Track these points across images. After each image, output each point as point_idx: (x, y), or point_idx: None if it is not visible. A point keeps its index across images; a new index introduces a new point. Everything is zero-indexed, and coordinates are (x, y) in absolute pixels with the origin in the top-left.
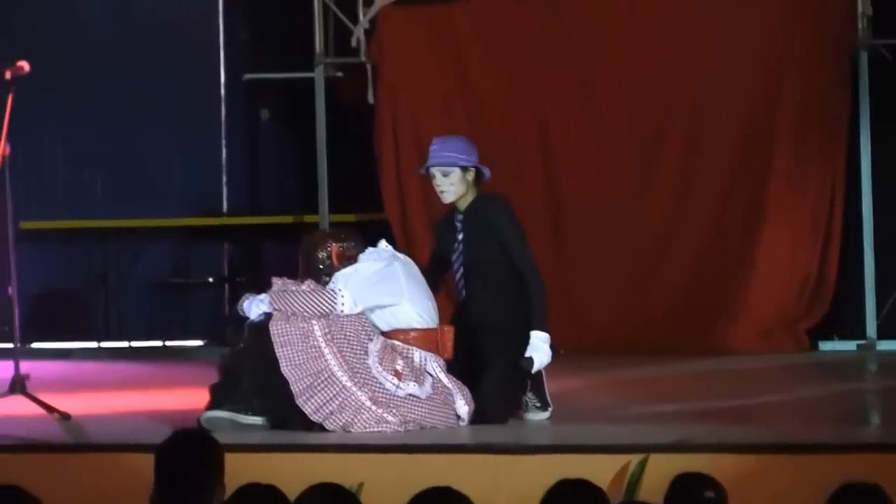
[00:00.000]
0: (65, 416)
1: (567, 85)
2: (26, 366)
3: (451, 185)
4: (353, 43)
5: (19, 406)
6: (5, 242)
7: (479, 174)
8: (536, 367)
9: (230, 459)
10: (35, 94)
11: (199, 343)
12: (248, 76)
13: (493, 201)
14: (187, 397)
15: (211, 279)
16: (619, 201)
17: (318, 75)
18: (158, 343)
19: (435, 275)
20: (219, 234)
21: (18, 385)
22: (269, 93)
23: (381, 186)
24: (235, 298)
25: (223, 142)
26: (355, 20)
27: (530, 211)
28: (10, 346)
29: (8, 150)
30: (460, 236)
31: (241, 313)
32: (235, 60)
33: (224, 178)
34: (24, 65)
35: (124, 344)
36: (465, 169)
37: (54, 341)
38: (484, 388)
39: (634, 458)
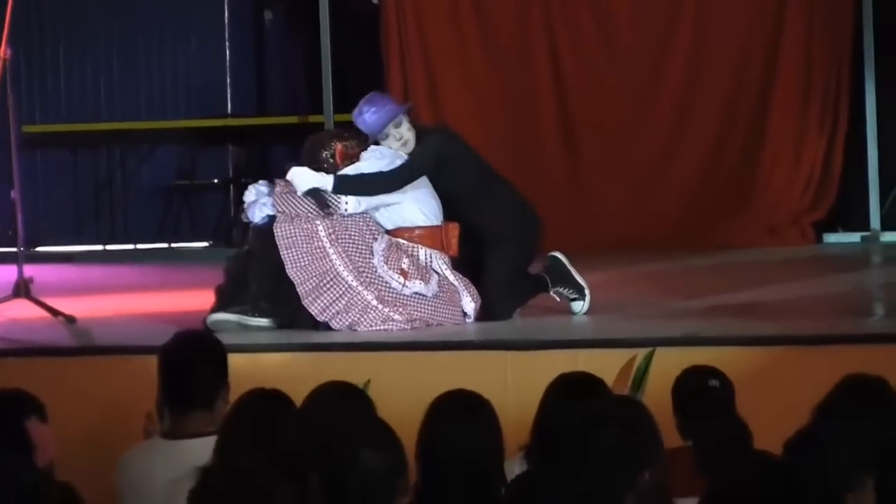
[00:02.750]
0: (70, 320)
1: None
2: (30, 270)
3: (409, 131)
4: None
5: (23, 310)
6: (8, 147)
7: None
8: (290, 175)
9: (236, 360)
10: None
11: (205, 245)
12: None
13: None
14: (193, 299)
15: (216, 181)
16: (627, 102)
17: None
18: (164, 245)
19: None
20: (224, 136)
21: (22, 289)
22: None
23: (387, 87)
24: (241, 200)
25: (227, 44)
26: None
27: (540, 117)
28: (14, 250)
29: (9, 54)
30: None
31: (245, 219)
32: None
33: (228, 80)
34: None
35: (130, 247)
36: (406, 115)
37: (59, 245)
38: (487, 285)
39: (641, 353)
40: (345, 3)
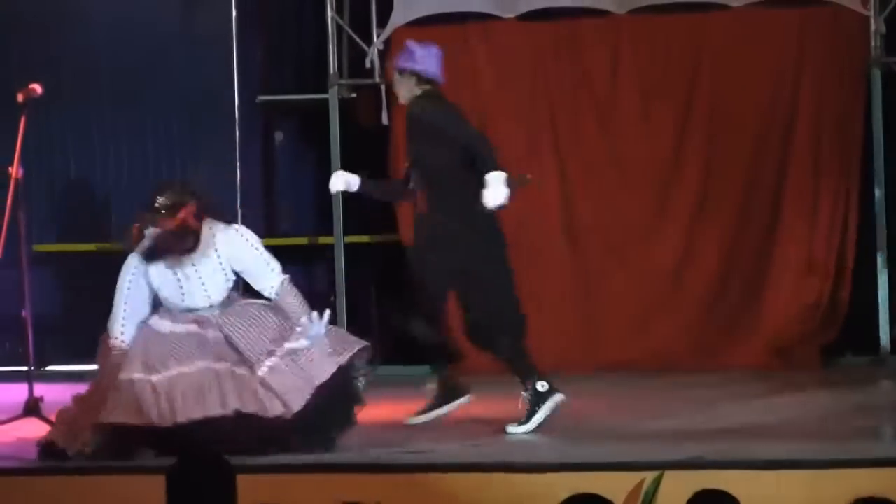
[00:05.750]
0: None
1: (582, 107)
2: (40, 388)
3: (399, 86)
4: (368, 64)
5: (33, 429)
6: (19, 265)
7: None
8: (492, 202)
9: (244, 481)
10: (48, 118)
11: None
12: (262, 98)
13: (433, 100)
14: None
15: None
16: (635, 223)
17: (333, 97)
18: None
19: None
20: None
21: (32, 408)
22: (283, 114)
23: (395, 208)
24: None
25: (238, 164)
26: (369, 41)
27: (546, 232)
28: (24, 368)
29: (21, 173)
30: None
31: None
32: (250, 82)
33: (239, 200)
34: (37, 87)
35: None
36: (413, 73)
37: (69, 364)
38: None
39: (649, 476)
40: (355, 123)
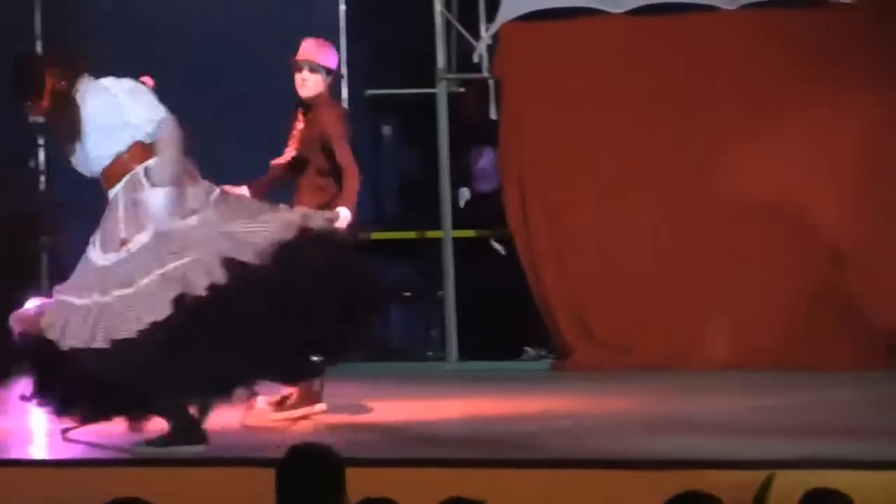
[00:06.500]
0: None
1: (689, 102)
2: None
3: (316, 83)
4: (476, 58)
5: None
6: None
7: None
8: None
9: (354, 475)
10: None
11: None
12: (369, 92)
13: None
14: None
15: None
16: (739, 221)
17: (441, 91)
18: None
19: None
20: None
21: None
22: (391, 109)
23: (504, 201)
24: None
25: None
26: (477, 35)
27: (642, 226)
28: None
29: None
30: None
31: None
32: (357, 77)
33: None
34: (148, 80)
35: None
36: (328, 72)
37: None
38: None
39: (761, 475)
40: (462, 117)
